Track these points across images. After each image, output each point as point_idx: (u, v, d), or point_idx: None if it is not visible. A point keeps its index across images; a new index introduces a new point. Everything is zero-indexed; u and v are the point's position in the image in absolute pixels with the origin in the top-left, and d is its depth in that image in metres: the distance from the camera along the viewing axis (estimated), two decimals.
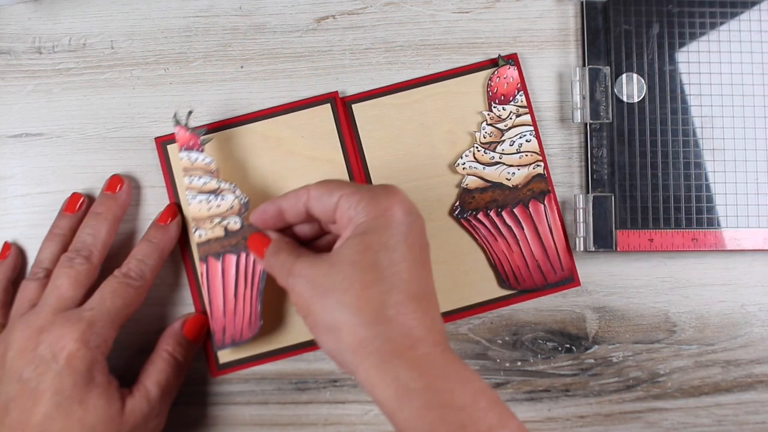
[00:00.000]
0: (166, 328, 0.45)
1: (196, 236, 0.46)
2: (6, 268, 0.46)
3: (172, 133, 0.47)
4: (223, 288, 0.46)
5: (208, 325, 0.46)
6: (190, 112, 0.46)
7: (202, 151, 0.46)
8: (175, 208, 0.47)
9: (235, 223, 0.46)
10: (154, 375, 0.43)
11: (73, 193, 0.47)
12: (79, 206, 0.46)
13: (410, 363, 0.34)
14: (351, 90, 0.48)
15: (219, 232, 0.46)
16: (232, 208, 0.46)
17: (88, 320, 0.40)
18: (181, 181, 0.47)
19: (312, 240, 0.44)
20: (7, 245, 0.47)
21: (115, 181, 0.46)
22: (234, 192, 0.46)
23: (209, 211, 0.46)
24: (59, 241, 0.45)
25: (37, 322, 0.40)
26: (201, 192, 0.46)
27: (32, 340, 0.40)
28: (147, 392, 0.42)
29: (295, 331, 0.47)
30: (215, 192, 0.46)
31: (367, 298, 0.35)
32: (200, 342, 0.46)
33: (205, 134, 0.47)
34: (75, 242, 0.44)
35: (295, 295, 0.38)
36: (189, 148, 0.46)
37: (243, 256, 0.46)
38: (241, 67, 0.48)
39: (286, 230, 0.43)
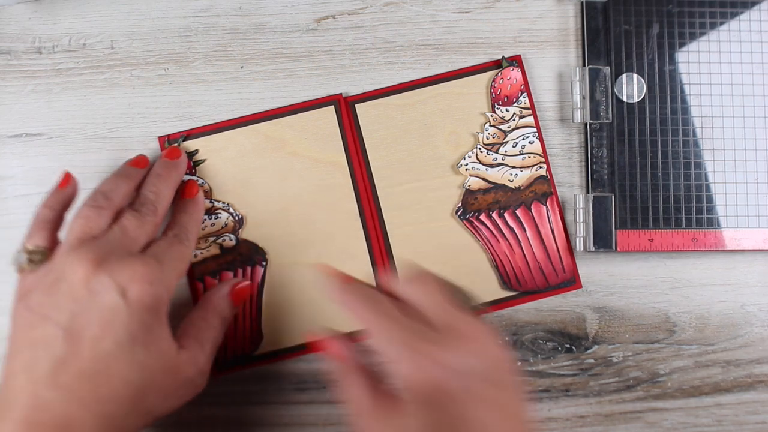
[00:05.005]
0: (213, 289, 0.45)
1: (191, 256, 0.46)
2: (65, 196, 0.43)
3: (176, 132, 0.47)
4: None
5: (252, 294, 0.46)
6: (183, 137, 0.47)
7: (195, 173, 0.47)
8: (178, 150, 0.46)
9: (230, 240, 0.47)
10: (208, 331, 0.42)
11: (140, 155, 0.46)
12: (144, 165, 0.45)
13: None
14: (351, 90, 0.48)
15: (215, 250, 0.47)
16: (226, 225, 0.47)
17: (157, 262, 0.39)
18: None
19: None
20: (68, 175, 0.44)
21: (174, 152, 0.46)
22: (228, 210, 0.47)
23: (204, 230, 0.46)
24: (124, 180, 0.43)
25: (102, 253, 0.38)
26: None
27: (96, 271, 0.37)
28: (202, 347, 0.41)
29: (296, 334, 0.47)
30: (209, 211, 0.47)
31: None
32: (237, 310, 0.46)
33: (184, 140, 0.47)
34: (139, 198, 0.42)
35: None
36: None
37: (240, 272, 0.47)
38: (241, 67, 0.48)
39: None
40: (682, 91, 0.49)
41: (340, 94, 0.48)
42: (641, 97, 0.48)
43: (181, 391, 0.40)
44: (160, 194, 0.43)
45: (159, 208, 0.42)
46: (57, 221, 0.43)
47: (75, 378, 0.36)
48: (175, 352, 0.39)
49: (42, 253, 0.40)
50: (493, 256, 0.47)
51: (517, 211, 0.48)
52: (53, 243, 0.41)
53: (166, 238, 0.42)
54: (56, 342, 0.36)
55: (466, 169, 0.48)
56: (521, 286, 0.47)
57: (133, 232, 0.40)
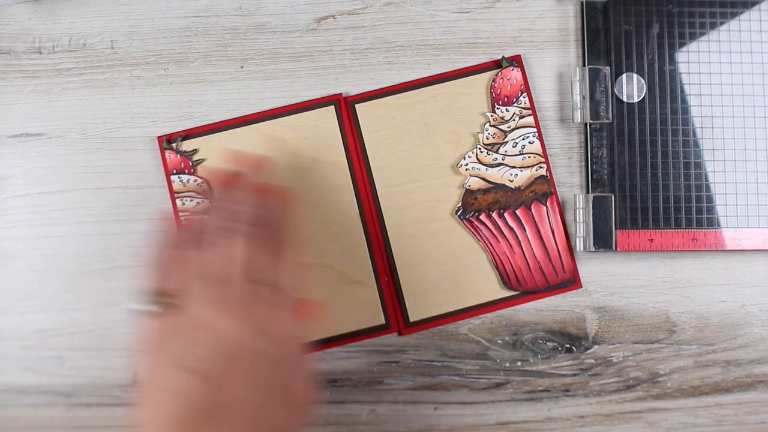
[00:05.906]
0: None
1: None
2: (185, 237, 0.40)
3: (175, 132, 0.47)
4: None
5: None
6: (182, 137, 0.47)
7: (194, 172, 0.47)
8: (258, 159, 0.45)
9: None
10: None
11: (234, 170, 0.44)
12: (234, 182, 0.43)
13: None
14: (351, 90, 0.48)
15: None
16: None
17: (291, 312, 0.37)
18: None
19: None
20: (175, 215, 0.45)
21: (257, 161, 0.45)
22: None
23: None
24: (223, 210, 0.40)
25: (241, 304, 0.36)
26: (194, 214, 0.46)
27: (240, 327, 0.35)
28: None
29: None
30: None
31: None
32: None
33: (183, 140, 0.47)
34: (255, 219, 0.39)
35: None
36: (180, 171, 0.47)
37: None
38: (241, 67, 0.48)
39: None
40: (682, 91, 0.48)
41: (340, 94, 0.48)
42: (641, 97, 0.48)
43: None
44: (272, 213, 0.41)
45: (274, 231, 0.40)
46: (182, 260, 0.39)
47: (217, 426, 0.33)
48: (306, 408, 0.37)
49: (175, 298, 0.37)
50: (493, 256, 0.47)
51: (517, 211, 0.48)
52: (184, 285, 0.38)
53: (288, 268, 0.39)
54: (197, 392, 0.34)
55: (466, 169, 0.48)
56: (521, 286, 0.47)
57: (263, 272, 0.38)
